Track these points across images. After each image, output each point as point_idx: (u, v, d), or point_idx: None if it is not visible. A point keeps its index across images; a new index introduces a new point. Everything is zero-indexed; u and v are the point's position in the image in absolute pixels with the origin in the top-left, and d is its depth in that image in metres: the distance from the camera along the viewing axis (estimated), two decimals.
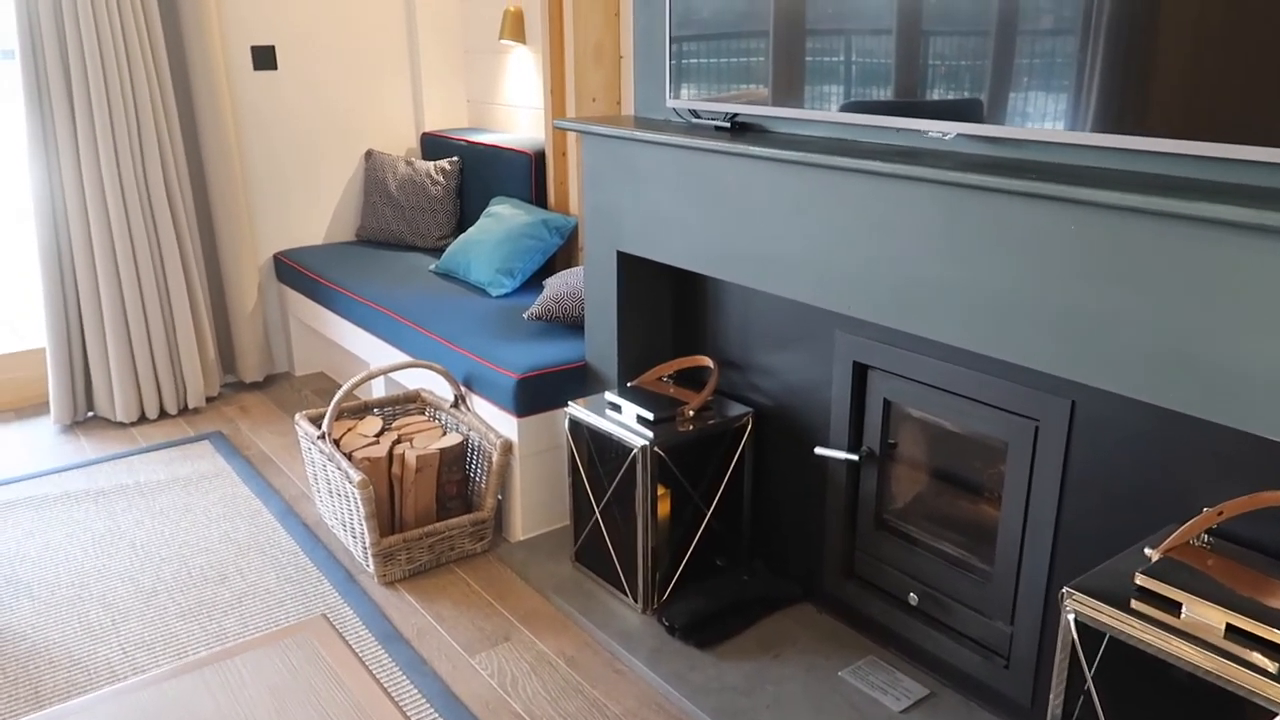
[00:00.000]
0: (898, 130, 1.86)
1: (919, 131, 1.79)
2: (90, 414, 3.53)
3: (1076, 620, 1.46)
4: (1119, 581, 1.47)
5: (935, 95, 1.72)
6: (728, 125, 2.20)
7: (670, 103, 2.30)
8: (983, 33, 1.61)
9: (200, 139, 3.53)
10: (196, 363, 3.54)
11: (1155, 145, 1.41)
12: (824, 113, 1.93)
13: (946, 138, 1.78)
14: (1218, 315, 1.31)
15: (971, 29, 1.63)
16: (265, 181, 3.79)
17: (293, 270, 3.72)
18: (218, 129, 3.51)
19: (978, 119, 1.65)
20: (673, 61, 2.26)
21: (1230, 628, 1.33)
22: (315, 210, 3.94)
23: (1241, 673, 1.27)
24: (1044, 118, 1.55)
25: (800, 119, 2.03)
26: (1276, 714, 1.23)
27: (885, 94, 1.80)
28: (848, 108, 1.87)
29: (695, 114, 2.29)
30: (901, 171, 1.66)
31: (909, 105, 1.76)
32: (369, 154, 3.95)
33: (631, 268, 2.48)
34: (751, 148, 1.95)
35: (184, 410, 3.61)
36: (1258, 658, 1.28)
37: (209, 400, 3.70)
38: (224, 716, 1.39)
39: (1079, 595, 1.45)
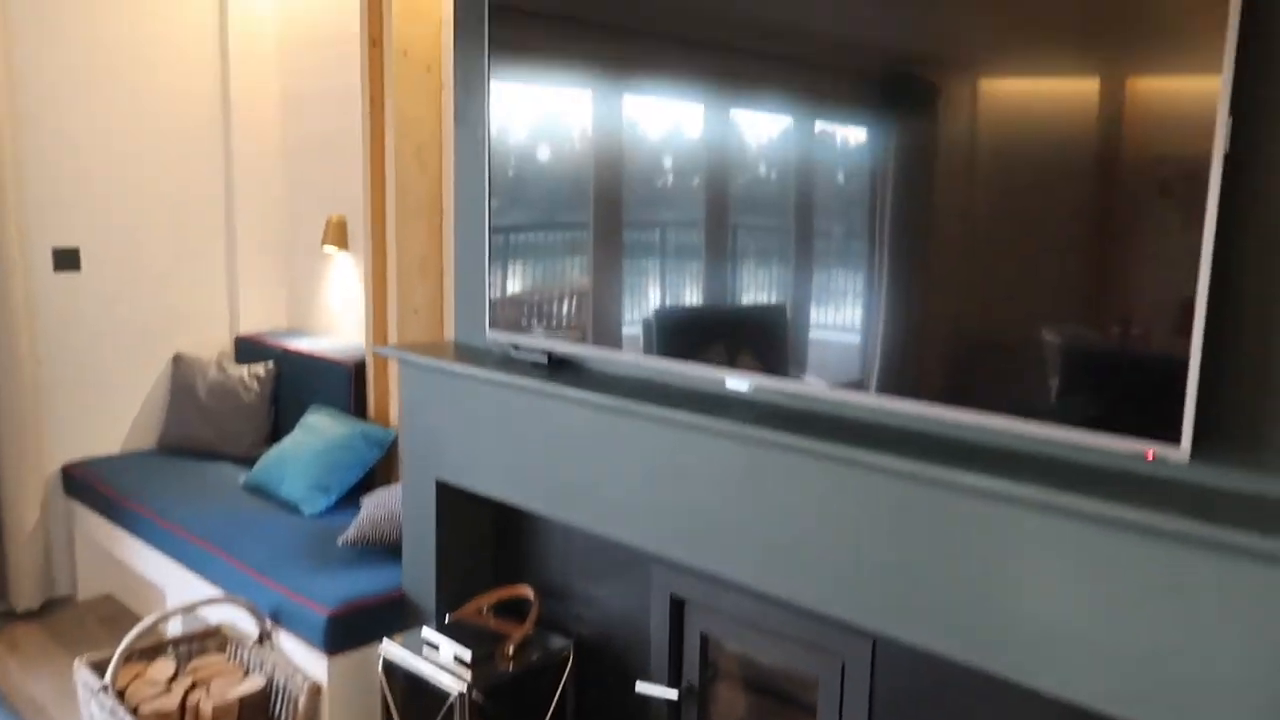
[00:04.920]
0: (705, 377, 1.98)
1: (720, 380, 1.91)
2: None
3: None
4: None
5: (738, 348, 1.84)
6: (544, 360, 2.27)
7: (490, 335, 2.36)
8: (781, 304, 1.76)
9: None
10: None
11: (936, 412, 1.57)
12: (635, 355, 2.02)
13: (745, 389, 1.90)
14: (987, 576, 1.43)
15: (773, 299, 1.78)
16: (61, 387, 3.56)
17: (84, 484, 3.45)
18: (7, 334, 3.29)
19: (776, 372, 1.78)
20: (493, 297, 2.33)
21: None
22: (114, 417, 3.71)
23: None
24: (834, 377, 1.69)
25: (613, 359, 2.12)
26: None
27: (693, 341, 1.92)
28: (658, 352, 1.97)
29: (516, 347, 2.36)
30: (698, 422, 1.75)
31: (714, 354, 1.88)
32: (177, 358, 3.80)
33: (451, 495, 2.45)
34: (565, 389, 2.01)
35: None
36: None
37: None
38: None
39: None
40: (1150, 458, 1.41)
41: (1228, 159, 1.28)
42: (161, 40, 3.68)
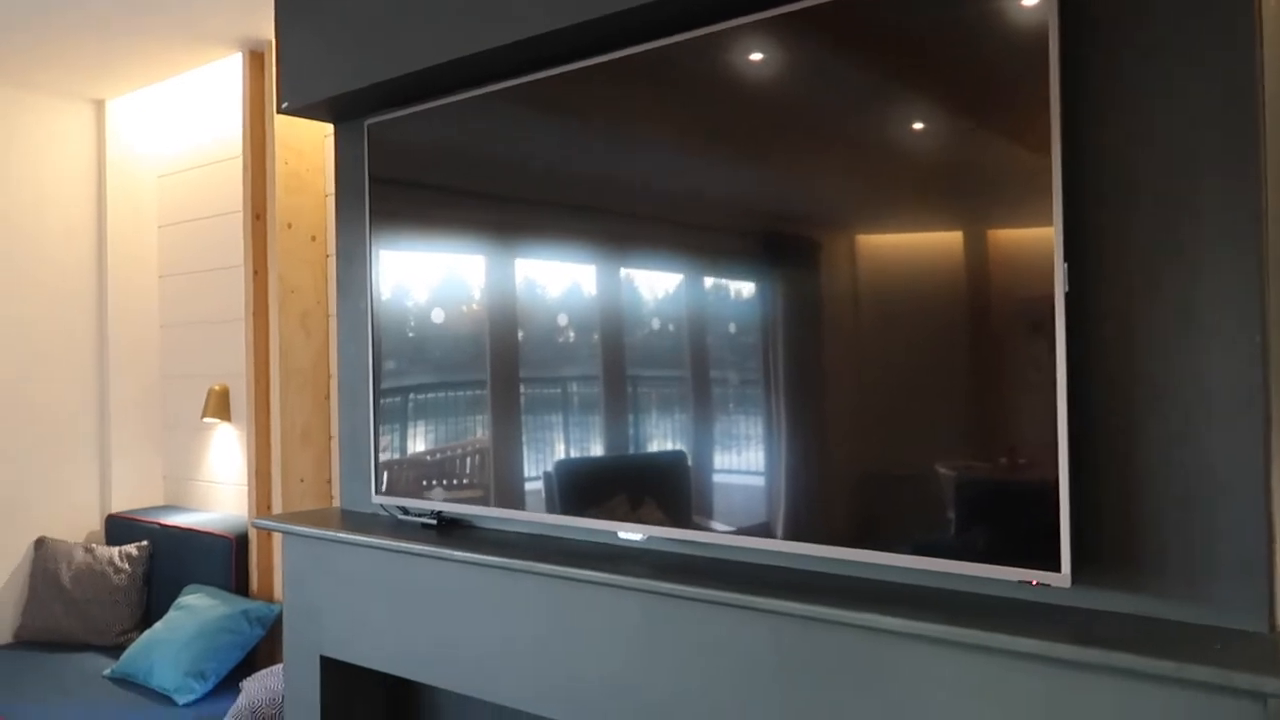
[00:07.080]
0: (597, 530, 1.95)
1: (613, 533, 1.89)
2: None
3: None
4: None
5: (634, 498, 1.83)
6: (434, 522, 2.21)
7: (376, 499, 2.29)
8: (676, 456, 1.77)
9: None
10: None
11: (832, 553, 1.57)
12: (526, 513, 1.99)
13: (638, 540, 1.88)
14: (880, 712, 1.41)
15: (671, 447, 1.79)
16: None
17: None
18: None
19: (670, 523, 1.77)
20: (379, 460, 2.28)
21: None
22: None
23: None
24: (731, 523, 1.69)
25: (504, 517, 2.07)
26: None
27: (587, 495, 1.90)
28: (559, 506, 1.94)
29: (404, 510, 2.29)
30: (589, 577, 1.71)
31: (609, 507, 1.86)
32: (40, 542, 3.55)
33: (338, 672, 2.31)
34: (455, 551, 1.95)
35: None
36: None
37: None
38: None
39: None
40: (1035, 584, 1.44)
41: (1070, 300, 1.37)
42: (38, 209, 3.61)
